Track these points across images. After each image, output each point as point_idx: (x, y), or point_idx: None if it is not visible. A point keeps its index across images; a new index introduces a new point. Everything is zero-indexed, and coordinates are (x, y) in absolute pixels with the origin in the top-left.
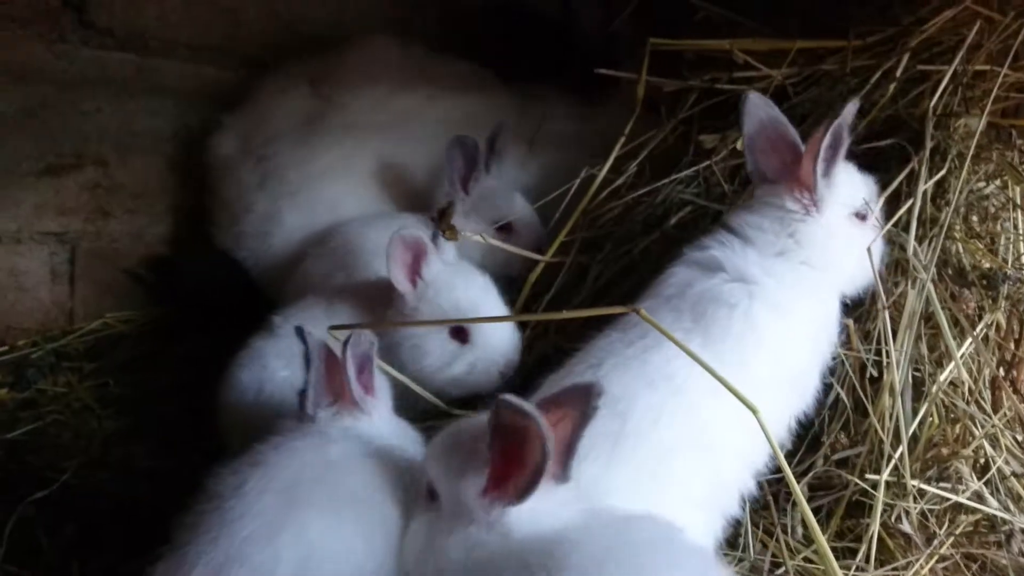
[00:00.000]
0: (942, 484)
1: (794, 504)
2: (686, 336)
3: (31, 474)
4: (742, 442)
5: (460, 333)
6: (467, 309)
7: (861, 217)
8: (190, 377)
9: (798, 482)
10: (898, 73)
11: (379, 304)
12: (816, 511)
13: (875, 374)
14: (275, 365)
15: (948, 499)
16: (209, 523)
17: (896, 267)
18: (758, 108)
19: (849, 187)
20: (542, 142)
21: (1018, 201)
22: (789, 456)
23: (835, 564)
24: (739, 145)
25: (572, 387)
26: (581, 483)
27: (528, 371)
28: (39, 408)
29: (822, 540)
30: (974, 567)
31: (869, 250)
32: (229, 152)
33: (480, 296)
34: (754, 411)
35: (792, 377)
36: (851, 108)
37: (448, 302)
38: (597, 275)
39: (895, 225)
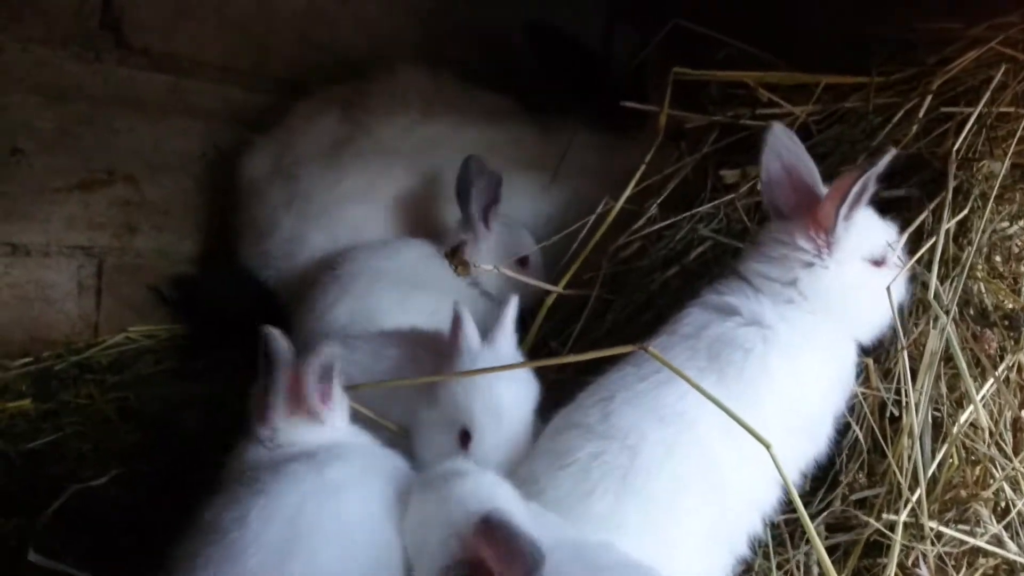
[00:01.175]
0: (961, 527)
1: (809, 543)
2: (700, 375)
3: (51, 484)
4: (751, 481)
5: (465, 438)
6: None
7: (877, 263)
8: (210, 393)
9: (813, 521)
10: (920, 113)
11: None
12: (833, 550)
13: (895, 414)
14: None
15: (966, 542)
16: (210, 555)
17: (918, 307)
18: (782, 141)
19: (867, 232)
20: (565, 173)
21: None
22: (807, 496)
23: None
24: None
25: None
26: (592, 517)
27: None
28: (61, 419)
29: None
30: None
31: (888, 289)
32: (259, 172)
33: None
34: (767, 446)
35: (804, 423)
36: (887, 157)
37: None
38: (617, 310)
39: (917, 264)
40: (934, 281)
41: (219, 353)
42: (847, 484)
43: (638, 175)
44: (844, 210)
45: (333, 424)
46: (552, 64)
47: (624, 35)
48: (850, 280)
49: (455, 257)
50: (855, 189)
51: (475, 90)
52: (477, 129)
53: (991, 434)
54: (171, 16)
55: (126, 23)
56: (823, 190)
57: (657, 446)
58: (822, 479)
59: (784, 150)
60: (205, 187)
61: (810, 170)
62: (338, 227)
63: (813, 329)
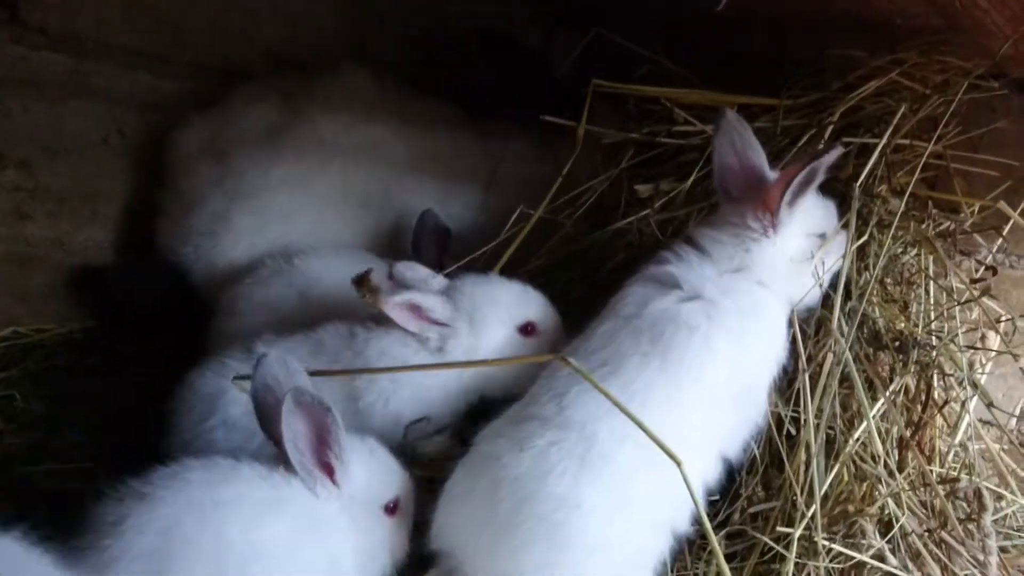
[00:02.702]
0: (849, 540)
1: (710, 552)
2: (644, 359)
3: None
4: (694, 462)
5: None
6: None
7: (820, 236)
8: (103, 391)
9: (716, 532)
10: (822, 143)
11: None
12: (732, 557)
13: (792, 431)
14: None
15: (853, 557)
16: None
17: (818, 328)
18: (733, 127)
19: (810, 211)
20: (500, 183)
21: (930, 270)
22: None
23: None
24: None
25: None
26: (551, 496)
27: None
28: None
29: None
30: None
31: (791, 317)
32: (191, 148)
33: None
34: (678, 463)
35: (746, 393)
36: (835, 151)
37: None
38: None
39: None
40: (837, 307)
41: (115, 349)
42: (746, 497)
43: (555, 188)
44: (789, 196)
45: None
46: (504, 71)
47: (563, 41)
48: (793, 252)
49: (363, 285)
50: (800, 178)
51: (416, 95)
52: (417, 133)
53: (878, 452)
54: None
55: (23, 0)
56: (770, 174)
57: (611, 435)
58: (723, 492)
59: (736, 136)
60: (107, 173)
61: (759, 155)
62: (267, 212)
63: (755, 303)
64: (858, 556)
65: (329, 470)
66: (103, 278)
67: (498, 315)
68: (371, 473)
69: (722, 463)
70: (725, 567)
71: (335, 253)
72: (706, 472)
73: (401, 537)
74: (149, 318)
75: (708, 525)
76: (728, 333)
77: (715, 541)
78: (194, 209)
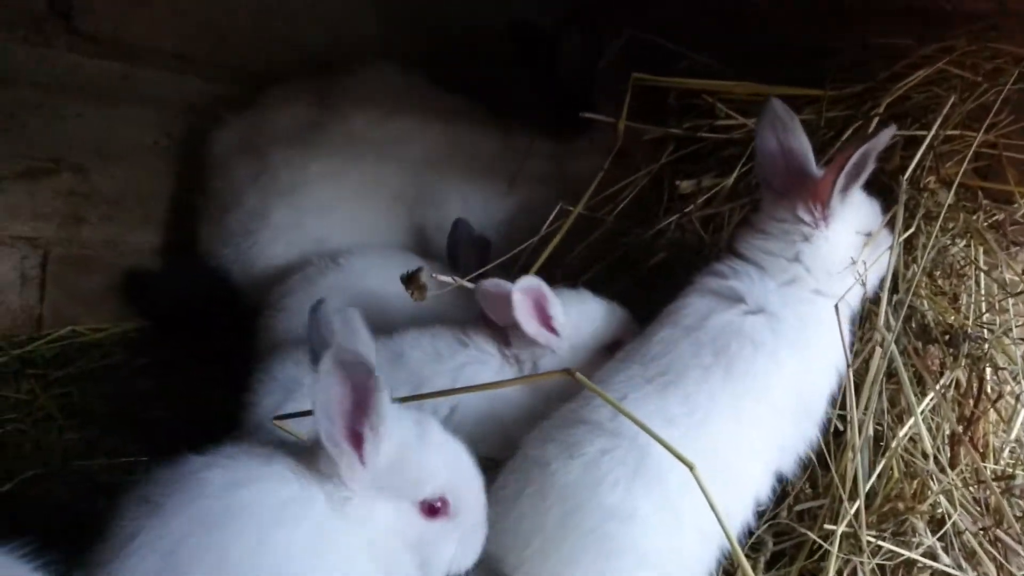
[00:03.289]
0: (899, 538)
1: (754, 548)
2: (706, 372)
3: None
4: (751, 478)
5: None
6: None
7: (867, 235)
8: (157, 388)
9: (760, 527)
10: (869, 132)
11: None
12: (779, 556)
13: (840, 428)
14: None
15: (902, 554)
16: None
17: (864, 321)
18: (779, 116)
19: (859, 206)
20: (521, 180)
21: (980, 261)
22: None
23: None
24: (715, 184)
25: None
26: (602, 507)
27: None
28: (0, 415)
29: None
30: None
31: (836, 307)
32: (228, 148)
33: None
34: (690, 467)
35: (807, 405)
36: (887, 132)
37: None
38: None
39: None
40: (884, 301)
41: (169, 349)
42: (793, 495)
43: (596, 182)
44: (841, 183)
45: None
46: (531, 63)
47: (577, 38)
48: (844, 249)
49: (412, 282)
50: (852, 161)
51: (442, 90)
52: (442, 128)
53: (929, 448)
54: (124, 3)
55: (76, 9)
56: (815, 167)
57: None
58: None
59: (781, 125)
60: (157, 176)
61: (805, 145)
62: (304, 208)
63: (816, 314)
64: (906, 553)
65: (359, 443)
66: (148, 283)
67: (595, 334)
68: (408, 456)
69: (774, 477)
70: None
71: (379, 253)
72: (760, 486)
73: (442, 550)
74: (195, 319)
75: (731, 533)
76: (793, 347)
77: (740, 554)
78: (232, 209)
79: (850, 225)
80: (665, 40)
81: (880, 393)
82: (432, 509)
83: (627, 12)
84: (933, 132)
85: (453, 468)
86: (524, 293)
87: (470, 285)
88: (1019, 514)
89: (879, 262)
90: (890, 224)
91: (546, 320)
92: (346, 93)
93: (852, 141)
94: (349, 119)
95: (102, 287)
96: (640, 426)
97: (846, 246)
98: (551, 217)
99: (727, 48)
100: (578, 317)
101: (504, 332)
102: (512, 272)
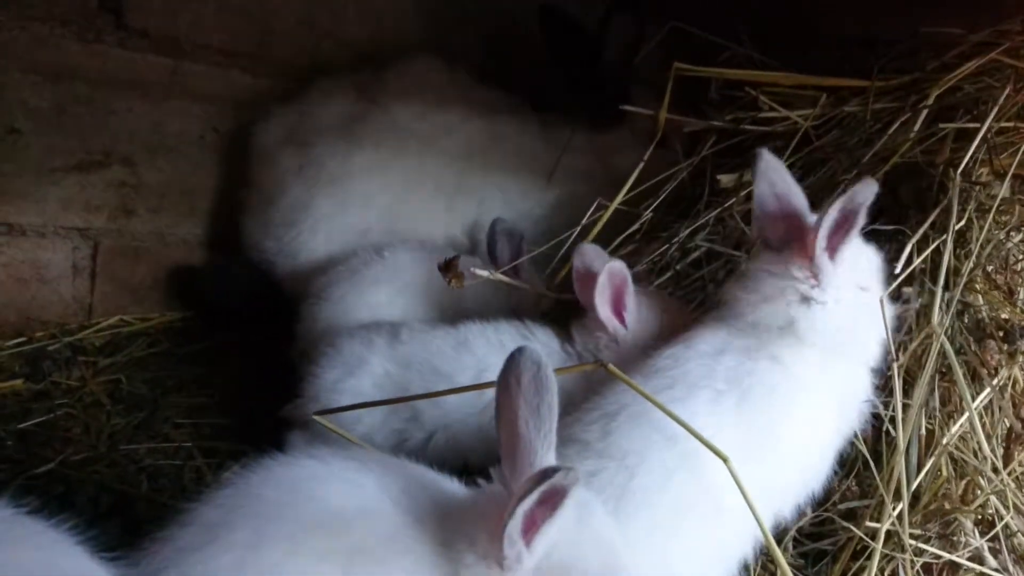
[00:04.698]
0: (951, 537)
1: (795, 544)
2: (718, 396)
3: (38, 465)
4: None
5: None
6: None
7: (865, 288)
8: (203, 377)
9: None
10: (916, 126)
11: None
12: (823, 554)
13: (891, 429)
14: None
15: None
16: None
17: (917, 317)
18: (772, 167)
19: (857, 259)
20: (560, 174)
21: None
22: None
23: None
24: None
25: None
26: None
27: None
28: (51, 400)
29: None
30: None
31: (881, 301)
32: (273, 140)
33: None
34: (725, 460)
35: (815, 460)
36: (869, 189)
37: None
38: None
39: (912, 278)
40: (939, 294)
41: (214, 338)
42: (840, 493)
43: (635, 174)
44: (822, 242)
45: None
46: (559, 49)
47: (621, 27)
48: (851, 309)
49: (449, 270)
50: (832, 219)
51: (484, 84)
52: (482, 121)
53: (980, 447)
54: None
55: (127, 4)
56: (811, 219)
57: (656, 468)
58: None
59: (776, 177)
60: (204, 171)
61: (799, 198)
62: (347, 198)
63: (825, 365)
64: (945, 555)
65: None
66: (193, 278)
67: (659, 333)
68: (563, 547)
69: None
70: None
71: (422, 246)
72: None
73: None
74: (239, 311)
75: (773, 543)
76: (805, 392)
77: (778, 552)
78: (275, 201)
79: (850, 282)
80: (707, 32)
81: (933, 390)
82: None
83: (668, 1)
84: (987, 124)
85: (615, 559)
86: (610, 275)
87: (505, 279)
88: None
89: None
90: (940, 218)
91: (619, 309)
92: (389, 86)
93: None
94: (392, 112)
95: (149, 278)
96: (673, 418)
97: (852, 305)
98: (590, 211)
99: (770, 39)
100: (648, 313)
101: (568, 330)
102: (550, 268)
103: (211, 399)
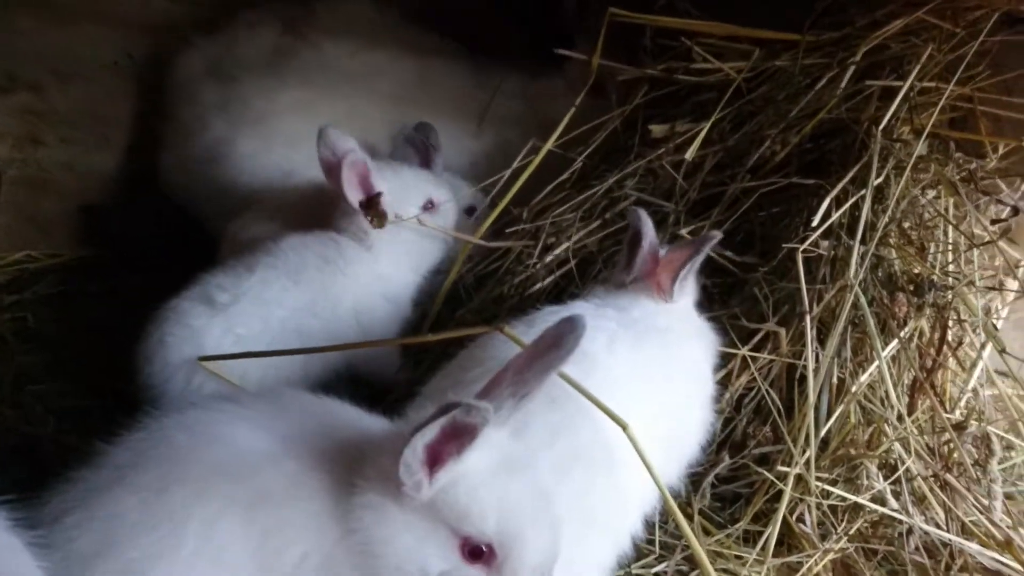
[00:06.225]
0: (856, 481)
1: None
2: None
3: None
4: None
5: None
6: None
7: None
8: (113, 317)
9: (713, 471)
10: (843, 84)
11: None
12: (737, 497)
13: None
14: None
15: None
16: None
17: (832, 268)
18: (646, 221)
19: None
20: (494, 120)
21: (950, 213)
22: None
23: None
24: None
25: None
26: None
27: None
28: None
29: (696, 543)
30: (875, 559)
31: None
32: (194, 73)
33: None
34: (624, 427)
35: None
36: (713, 238)
37: None
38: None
39: (830, 231)
40: (856, 248)
41: (124, 276)
42: (756, 440)
43: (567, 118)
44: (678, 283)
45: None
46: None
47: None
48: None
49: (371, 207)
50: (686, 271)
51: (416, 26)
52: (413, 63)
53: (888, 396)
54: None
55: None
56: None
57: (542, 429)
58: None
59: (651, 227)
60: (117, 99)
61: (654, 244)
62: (273, 138)
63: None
64: (852, 498)
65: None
66: (102, 215)
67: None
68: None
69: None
70: (684, 523)
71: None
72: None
73: None
74: (151, 251)
75: (668, 495)
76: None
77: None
78: (195, 136)
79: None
80: None
81: (846, 340)
82: (474, 552)
83: None
84: (909, 83)
85: (517, 520)
86: (352, 165)
87: (429, 224)
88: (970, 461)
89: None
90: (860, 174)
91: (368, 189)
92: (319, 21)
93: (684, 244)
94: (322, 48)
95: (59, 211)
96: (572, 384)
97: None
98: (522, 153)
99: None
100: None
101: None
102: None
103: (125, 340)
